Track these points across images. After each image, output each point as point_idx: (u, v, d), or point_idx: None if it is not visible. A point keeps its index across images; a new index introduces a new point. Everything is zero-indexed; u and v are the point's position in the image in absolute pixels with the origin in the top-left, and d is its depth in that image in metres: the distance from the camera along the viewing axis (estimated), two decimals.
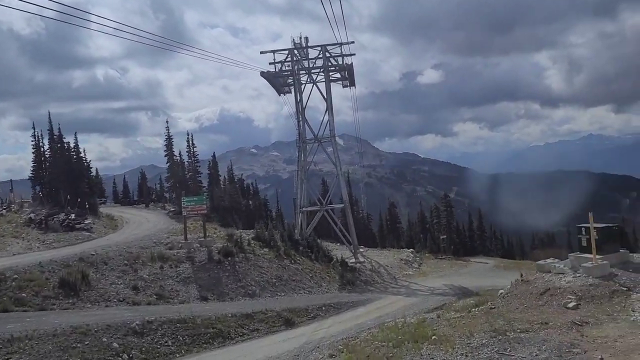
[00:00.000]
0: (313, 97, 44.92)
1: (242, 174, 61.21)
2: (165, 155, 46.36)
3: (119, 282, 23.22)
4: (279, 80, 44.00)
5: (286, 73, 42.87)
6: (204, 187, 46.71)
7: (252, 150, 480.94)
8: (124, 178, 65.81)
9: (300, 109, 44.22)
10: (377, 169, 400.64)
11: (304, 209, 44.24)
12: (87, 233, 33.42)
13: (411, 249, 51.71)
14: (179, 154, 47.56)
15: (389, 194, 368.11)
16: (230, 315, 20.03)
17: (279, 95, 47.29)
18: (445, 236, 55.36)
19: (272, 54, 42.57)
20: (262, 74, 41.25)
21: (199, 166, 48.13)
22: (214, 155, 52.03)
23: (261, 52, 43.10)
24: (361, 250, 46.08)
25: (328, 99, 43.03)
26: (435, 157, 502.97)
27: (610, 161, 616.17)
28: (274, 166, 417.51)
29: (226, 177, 56.52)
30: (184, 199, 28.74)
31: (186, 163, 46.67)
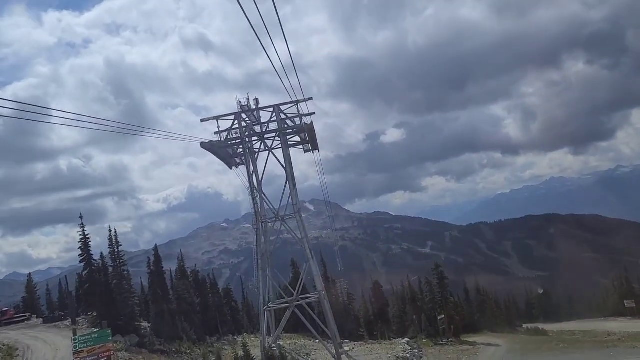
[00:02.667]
0: (273, 166, 37.24)
1: (195, 265, 51.57)
2: (81, 261, 35.36)
3: None
4: (226, 152, 36.63)
5: (234, 141, 35.42)
6: (134, 296, 36.22)
7: (223, 224, 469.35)
8: (60, 282, 54.97)
9: (255, 181, 36.68)
10: (350, 231, 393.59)
11: (269, 306, 35.36)
12: None
13: (406, 339, 42.47)
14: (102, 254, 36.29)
15: (364, 255, 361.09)
16: None
17: (230, 168, 39.76)
18: (443, 316, 46.90)
19: (215, 121, 35.17)
20: (203, 145, 33.65)
21: (125, 270, 35.83)
22: (155, 249, 41.83)
23: (202, 120, 35.73)
24: (346, 349, 36.93)
25: (288, 167, 35.73)
26: (407, 214, 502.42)
27: (575, 202, 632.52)
28: (246, 238, 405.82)
29: (173, 271, 46.53)
30: (75, 339, 19.39)
31: (110, 267, 35.46)
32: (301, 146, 40.22)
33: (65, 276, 63.08)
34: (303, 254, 35.69)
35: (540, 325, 69.83)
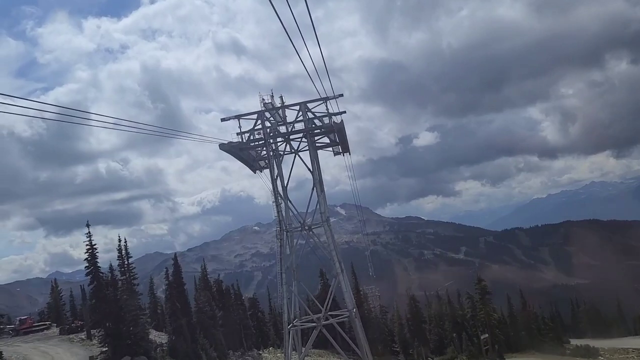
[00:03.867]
0: (301, 169, 33.99)
1: (219, 274, 48.54)
2: (87, 274, 31.66)
3: None
4: (249, 154, 33.64)
5: (257, 143, 32.40)
6: (145, 312, 33.40)
7: (255, 227, 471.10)
8: (82, 289, 53.24)
9: (280, 186, 33.51)
10: (381, 236, 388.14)
11: (295, 324, 32.13)
12: None
13: None
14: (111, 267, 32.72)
15: (396, 260, 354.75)
16: None
17: (254, 172, 36.78)
18: (487, 335, 42.57)
19: (236, 120, 32.21)
20: (222, 146, 30.73)
21: (136, 283, 33.11)
22: (175, 258, 38.71)
23: (222, 120, 32.82)
24: None
25: (315, 171, 32.48)
26: (439, 219, 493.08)
27: (617, 207, 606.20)
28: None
29: (196, 280, 43.83)
30: None
31: (120, 281, 32.29)
32: (330, 148, 36.89)
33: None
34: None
35: (589, 342, 64.20)
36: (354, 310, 30.71)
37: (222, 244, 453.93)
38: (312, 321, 31.60)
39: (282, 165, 35.54)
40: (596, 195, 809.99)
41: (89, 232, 30.40)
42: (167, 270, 37.80)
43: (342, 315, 32.30)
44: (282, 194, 33.00)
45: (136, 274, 32.94)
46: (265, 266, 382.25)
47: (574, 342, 63.22)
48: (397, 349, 45.53)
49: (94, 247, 31.20)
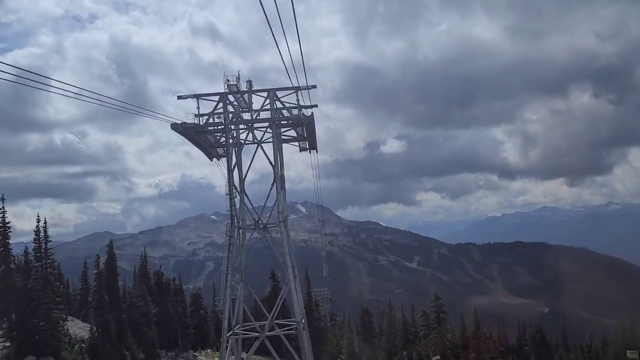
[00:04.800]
0: (264, 162, 30.77)
1: (160, 266, 44.32)
2: None
3: None
4: (206, 139, 30.31)
5: (216, 128, 29.12)
6: (60, 306, 28.86)
7: (213, 217, 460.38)
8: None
9: (238, 178, 30.51)
10: (339, 237, 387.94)
11: (236, 331, 29.08)
12: None
13: None
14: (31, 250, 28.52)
15: (350, 263, 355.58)
16: None
17: (211, 159, 33.51)
18: (438, 357, 40.80)
19: (195, 100, 28.81)
20: (175, 126, 27.26)
21: (52, 273, 28.35)
22: (110, 246, 34.31)
23: (179, 97, 29.26)
24: None
25: (277, 165, 29.58)
26: (397, 226, 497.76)
27: (565, 233, 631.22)
28: None
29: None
30: None
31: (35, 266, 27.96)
32: (297, 143, 34.13)
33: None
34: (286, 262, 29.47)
35: None
36: (303, 321, 27.97)
37: (176, 230, 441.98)
38: (255, 329, 28.63)
39: (242, 155, 32.48)
40: (547, 220, 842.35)
41: (3, 206, 26.17)
42: (98, 258, 33.76)
43: (289, 325, 29.46)
44: (238, 186, 29.91)
45: (55, 260, 29.00)
46: (219, 257, 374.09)
47: None
48: None
49: (7, 224, 26.92)
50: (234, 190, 29.34)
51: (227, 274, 27.98)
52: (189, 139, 29.54)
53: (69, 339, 28.59)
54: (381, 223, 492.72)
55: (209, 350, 40.84)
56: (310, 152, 34.71)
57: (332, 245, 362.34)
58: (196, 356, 39.66)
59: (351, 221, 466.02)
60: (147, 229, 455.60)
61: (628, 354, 63.88)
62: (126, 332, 31.29)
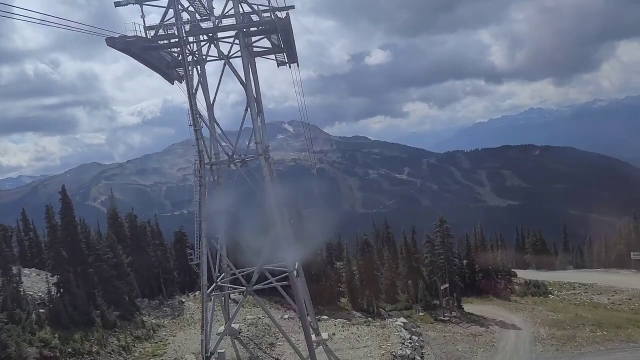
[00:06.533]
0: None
1: (132, 208, 39.06)
2: None
3: None
4: (160, 57, 24.26)
5: (169, 41, 22.89)
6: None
7: None
8: None
9: (205, 103, 25.01)
10: (328, 154, 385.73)
11: (218, 287, 25.11)
12: None
13: (402, 320, 32.60)
14: None
15: (341, 179, 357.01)
16: None
17: (172, 82, 27.67)
18: (447, 285, 37.85)
19: (137, 6, 22.26)
20: (111, 42, 20.94)
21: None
22: (63, 191, 28.83)
23: (116, 4, 22.67)
24: (324, 336, 27.35)
25: (249, 84, 23.82)
26: (385, 139, 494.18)
27: (551, 134, 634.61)
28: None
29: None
30: None
31: None
32: (273, 56, 27.95)
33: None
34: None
35: (533, 275, 63.18)
36: (295, 272, 23.84)
37: (164, 157, 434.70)
38: (239, 283, 24.57)
39: (206, 75, 26.59)
40: (533, 122, 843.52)
41: None
42: (48, 208, 28.38)
43: (282, 270, 25.37)
44: (203, 114, 24.39)
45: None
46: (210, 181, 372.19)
47: (521, 274, 61.78)
48: (345, 297, 40.16)
49: None
50: (197, 118, 23.76)
51: (199, 221, 23.32)
52: (137, 59, 23.36)
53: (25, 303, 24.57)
54: (369, 137, 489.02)
55: (197, 293, 37.41)
56: (290, 67, 28.70)
57: (322, 162, 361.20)
58: (183, 302, 36.32)
59: (340, 137, 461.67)
60: (135, 158, 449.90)
61: (632, 256, 62.87)
62: (95, 290, 27.31)
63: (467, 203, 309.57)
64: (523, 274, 62.88)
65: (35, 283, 28.16)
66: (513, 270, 59.37)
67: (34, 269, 34.78)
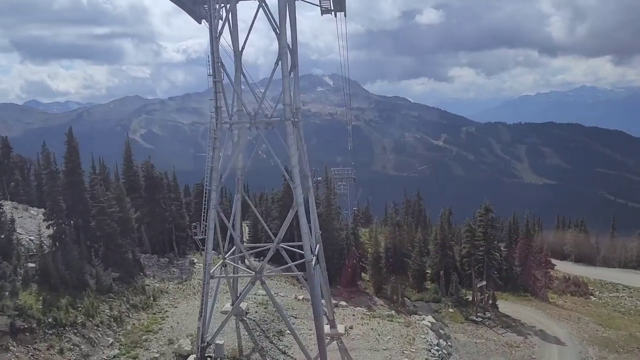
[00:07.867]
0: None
1: (149, 158, 35.46)
2: None
3: None
4: None
5: None
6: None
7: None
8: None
9: (233, 50, 21.24)
10: (365, 112, 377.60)
11: (227, 262, 21.97)
12: None
13: (429, 319, 28.60)
14: None
15: (375, 138, 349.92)
16: None
17: (199, 22, 23.90)
18: (484, 283, 33.94)
19: None
20: None
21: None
22: (70, 131, 25.41)
23: None
24: (340, 329, 24.25)
25: (283, 31, 19.64)
26: (426, 102, 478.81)
27: (602, 115, 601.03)
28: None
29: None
30: None
31: None
32: (318, 1, 23.45)
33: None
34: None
35: (573, 269, 58.90)
36: (314, 258, 20.35)
37: (204, 98, 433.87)
38: (248, 267, 21.38)
39: (237, 16, 22.61)
40: (583, 100, 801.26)
41: None
42: (45, 149, 25.22)
43: (299, 254, 22.00)
44: (229, 62, 20.56)
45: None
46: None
47: (559, 267, 57.66)
48: (368, 281, 36.77)
49: None
50: (219, 67, 19.92)
51: (209, 189, 19.89)
52: None
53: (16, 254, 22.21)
54: (409, 99, 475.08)
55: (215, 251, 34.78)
56: (335, 16, 24.24)
57: (359, 119, 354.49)
58: (194, 262, 33.81)
59: (379, 96, 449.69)
60: (176, 95, 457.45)
61: None
62: (95, 246, 24.77)
63: (502, 177, 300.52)
64: (561, 267, 58.66)
65: (42, 228, 25.80)
66: (552, 261, 55.06)
67: (43, 209, 32.51)
